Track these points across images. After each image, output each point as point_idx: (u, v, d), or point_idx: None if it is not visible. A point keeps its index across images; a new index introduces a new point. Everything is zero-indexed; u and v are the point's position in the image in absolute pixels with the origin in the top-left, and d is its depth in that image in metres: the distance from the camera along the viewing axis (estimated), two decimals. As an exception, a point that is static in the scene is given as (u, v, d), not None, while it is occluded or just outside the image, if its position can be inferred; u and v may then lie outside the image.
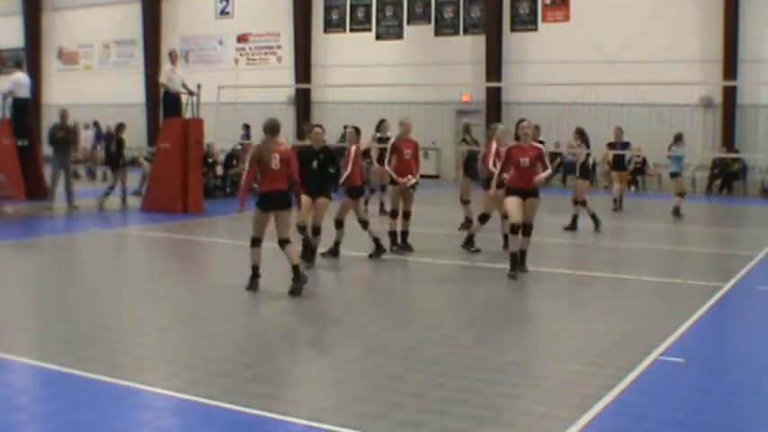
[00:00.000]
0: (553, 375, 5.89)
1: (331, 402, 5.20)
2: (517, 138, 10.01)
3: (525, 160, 9.72)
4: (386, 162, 11.38)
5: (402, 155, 11.25)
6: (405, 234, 11.41)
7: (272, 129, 8.66)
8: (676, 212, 16.66)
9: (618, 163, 18.18)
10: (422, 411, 5.01)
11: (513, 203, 9.71)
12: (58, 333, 6.84)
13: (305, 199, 9.63)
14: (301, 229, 10.08)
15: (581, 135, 14.63)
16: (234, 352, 6.28)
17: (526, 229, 9.80)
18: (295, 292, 8.38)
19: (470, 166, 14.11)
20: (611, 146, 18.07)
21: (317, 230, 10.17)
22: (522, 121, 10.10)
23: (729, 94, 23.45)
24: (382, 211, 15.37)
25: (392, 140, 11.63)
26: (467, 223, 13.85)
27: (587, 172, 14.57)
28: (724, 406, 5.31)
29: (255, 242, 8.72)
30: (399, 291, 9.59)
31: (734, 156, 22.64)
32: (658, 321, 7.76)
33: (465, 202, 13.91)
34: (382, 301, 8.79)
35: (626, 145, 18.08)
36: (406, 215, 11.41)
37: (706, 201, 18.49)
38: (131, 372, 5.69)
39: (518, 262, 9.73)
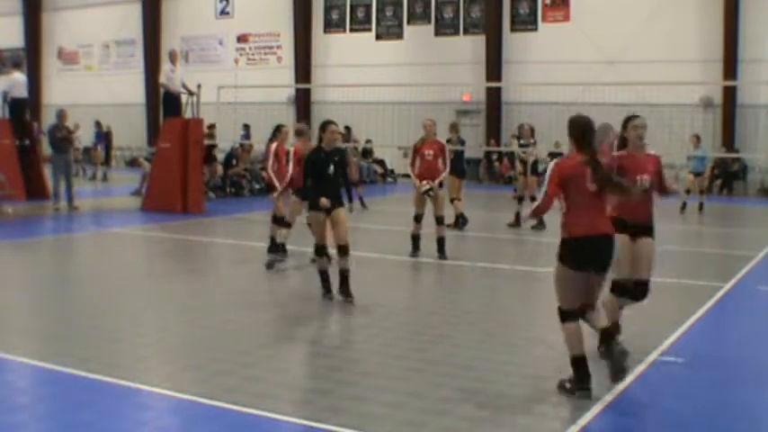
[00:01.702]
0: (553, 375, 5.88)
1: (331, 402, 5.20)
2: (624, 144, 6.40)
3: (644, 180, 6.28)
4: (409, 164, 11.46)
5: (423, 156, 11.15)
6: (440, 240, 10.99)
7: (298, 132, 10.44)
8: (701, 208, 17.55)
9: None
10: (422, 411, 5.00)
11: (621, 250, 6.04)
12: (58, 333, 6.84)
13: (318, 215, 8.28)
14: (321, 250, 8.44)
15: (533, 133, 14.95)
16: (234, 352, 6.27)
17: (639, 289, 6.49)
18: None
19: (456, 164, 14.13)
20: None
21: (344, 250, 8.33)
22: (633, 118, 6.41)
23: (729, 94, 23.47)
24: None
25: (415, 142, 11.51)
26: (457, 221, 13.90)
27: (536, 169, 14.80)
28: (724, 406, 5.31)
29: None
30: (399, 290, 9.58)
31: (734, 156, 22.65)
32: (658, 321, 7.76)
33: (453, 200, 13.97)
34: (382, 301, 8.79)
35: None
36: (438, 220, 11.00)
37: (706, 201, 18.49)
38: (131, 372, 5.68)
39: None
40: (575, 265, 5.54)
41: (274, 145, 10.96)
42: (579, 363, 5.49)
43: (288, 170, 10.40)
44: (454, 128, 14.95)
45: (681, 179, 18.92)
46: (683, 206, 17.56)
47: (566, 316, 5.68)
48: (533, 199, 14.16)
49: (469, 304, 8.56)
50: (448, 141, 14.67)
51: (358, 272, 10.01)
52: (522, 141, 14.94)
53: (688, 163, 18.57)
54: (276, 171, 10.87)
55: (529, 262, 11.57)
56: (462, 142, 14.93)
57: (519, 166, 15.00)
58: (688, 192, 17.86)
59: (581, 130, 5.71)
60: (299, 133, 10.74)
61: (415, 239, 11.14)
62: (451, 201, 13.97)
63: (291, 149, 10.46)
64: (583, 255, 5.52)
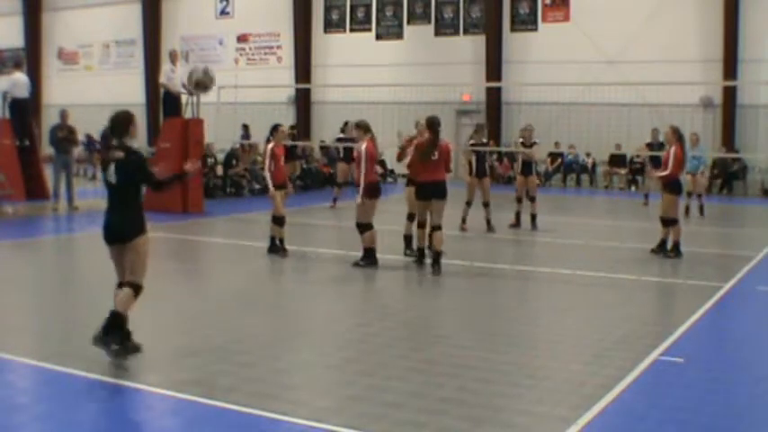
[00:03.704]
0: (553, 375, 5.89)
1: (331, 402, 5.20)
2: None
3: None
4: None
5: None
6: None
7: (366, 129, 10.31)
8: (701, 211, 17.26)
9: (654, 163, 18.36)
10: (422, 411, 5.00)
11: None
12: (58, 333, 6.85)
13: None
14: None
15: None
16: (234, 352, 6.27)
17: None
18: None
19: (479, 165, 13.98)
20: (649, 146, 18.39)
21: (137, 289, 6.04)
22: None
23: (729, 94, 23.45)
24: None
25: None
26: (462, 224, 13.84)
27: (531, 169, 14.65)
28: (724, 406, 5.31)
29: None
30: (399, 290, 9.58)
31: (734, 156, 22.63)
32: (658, 321, 7.78)
33: (468, 204, 13.84)
34: (382, 301, 8.80)
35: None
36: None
37: (706, 201, 18.47)
38: (131, 372, 5.69)
39: None
40: (420, 198, 10.15)
41: (271, 145, 10.99)
42: (371, 252, 10.13)
43: (359, 170, 10.22)
44: (481, 129, 14.81)
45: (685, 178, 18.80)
46: (687, 209, 17.45)
47: (419, 224, 10.39)
48: (533, 199, 14.25)
49: (469, 304, 8.57)
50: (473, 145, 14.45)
51: (356, 272, 10.03)
52: (522, 141, 14.88)
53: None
54: (274, 171, 10.90)
55: (529, 262, 11.57)
56: (484, 143, 14.66)
57: (516, 167, 14.86)
58: (689, 194, 17.78)
59: (432, 124, 10.14)
60: (368, 130, 10.36)
61: (408, 239, 11.13)
62: (469, 203, 13.86)
63: (364, 148, 10.10)
64: (424, 191, 10.07)
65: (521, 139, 15.04)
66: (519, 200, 14.52)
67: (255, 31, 30.98)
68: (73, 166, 17.12)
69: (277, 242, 11.11)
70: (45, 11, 35.74)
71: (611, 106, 23.03)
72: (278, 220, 11.02)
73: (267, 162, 10.91)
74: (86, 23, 34.21)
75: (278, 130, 11.19)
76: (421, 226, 10.29)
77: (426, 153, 9.99)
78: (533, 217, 14.24)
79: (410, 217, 11.01)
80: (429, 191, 10.00)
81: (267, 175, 10.94)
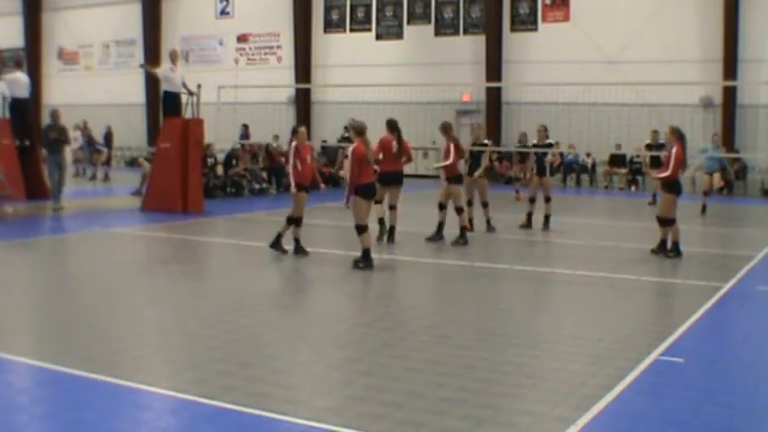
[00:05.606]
0: (553, 375, 5.89)
1: (331, 402, 5.20)
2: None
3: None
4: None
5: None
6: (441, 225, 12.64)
7: (359, 131, 10.37)
8: (704, 210, 17.45)
9: (654, 163, 18.33)
10: (422, 411, 5.00)
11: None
12: (58, 333, 6.84)
13: None
14: None
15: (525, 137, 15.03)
16: (234, 352, 6.27)
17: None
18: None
19: (473, 164, 13.99)
20: (648, 147, 18.45)
21: None
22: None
23: (729, 94, 23.46)
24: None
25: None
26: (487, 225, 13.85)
27: (545, 169, 14.64)
28: (724, 406, 5.31)
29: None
30: (399, 290, 9.58)
31: (734, 156, 22.63)
32: (658, 321, 7.77)
33: (469, 203, 13.78)
34: (382, 301, 8.80)
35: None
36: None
37: (707, 201, 18.48)
38: (131, 372, 5.68)
39: None
40: (383, 184, 11.80)
41: (294, 143, 11.02)
42: (366, 253, 10.08)
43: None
44: (479, 128, 15.02)
45: (685, 177, 18.74)
46: (704, 209, 17.52)
47: (377, 201, 11.73)
48: (548, 200, 14.22)
49: (469, 304, 8.56)
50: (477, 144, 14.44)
51: (355, 272, 10.03)
52: (536, 142, 14.87)
53: (704, 163, 18.40)
54: (301, 170, 10.92)
55: (529, 262, 11.57)
56: (484, 144, 14.59)
57: (523, 167, 14.84)
58: (705, 193, 17.87)
59: (392, 125, 11.76)
60: (360, 132, 10.36)
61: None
62: (485, 204, 13.87)
63: (351, 150, 10.28)
64: (387, 179, 11.84)
65: (534, 141, 15.04)
66: (532, 200, 14.47)
67: (255, 31, 31.01)
68: (65, 166, 16.99)
69: (282, 241, 11.08)
70: (45, 11, 35.77)
71: (611, 106, 23.06)
72: (294, 221, 11.00)
73: (291, 160, 11.00)
74: (86, 23, 34.24)
75: (298, 132, 11.16)
76: (378, 202, 12.04)
77: (398, 152, 11.75)
78: (547, 217, 14.23)
79: (440, 206, 12.65)
80: (390, 178, 11.92)
81: (290, 173, 10.99)
